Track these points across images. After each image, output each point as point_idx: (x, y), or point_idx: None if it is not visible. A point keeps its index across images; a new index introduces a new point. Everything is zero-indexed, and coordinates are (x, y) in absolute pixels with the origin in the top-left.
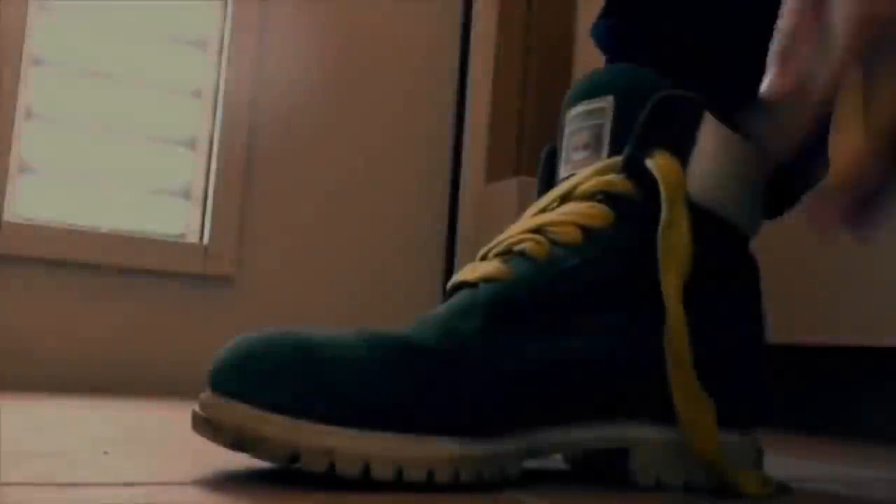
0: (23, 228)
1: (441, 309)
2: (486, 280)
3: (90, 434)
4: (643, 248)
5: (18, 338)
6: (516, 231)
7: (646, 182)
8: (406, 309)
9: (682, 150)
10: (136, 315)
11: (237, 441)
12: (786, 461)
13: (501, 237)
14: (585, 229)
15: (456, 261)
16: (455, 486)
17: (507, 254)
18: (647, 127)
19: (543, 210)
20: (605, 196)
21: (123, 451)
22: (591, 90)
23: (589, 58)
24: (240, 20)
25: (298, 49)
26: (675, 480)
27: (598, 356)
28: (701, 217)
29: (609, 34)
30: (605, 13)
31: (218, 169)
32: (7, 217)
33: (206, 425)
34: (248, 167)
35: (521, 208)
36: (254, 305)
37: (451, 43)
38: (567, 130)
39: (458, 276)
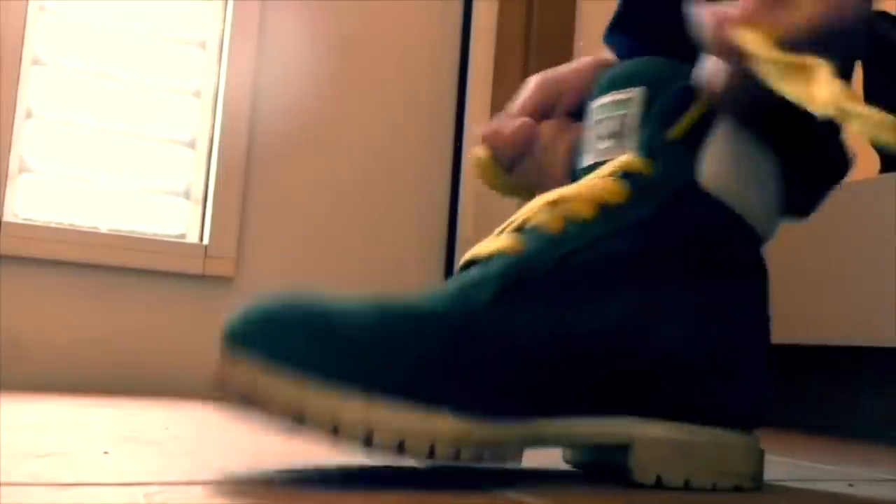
0: (23, 228)
1: (453, 280)
2: (500, 254)
3: (90, 434)
4: (659, 226)
5: (18, 338)
6: (532, 206)
7: (664, 162)
8: None
9: (697, 139)
10: (137, 315)
11: (245, 398)
12: (786, 461)
13: (517, 214)
14: (601, 205)
15: (456, 261)
16: (454, 466)
17: (521, 229)
18: (666, 115)
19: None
20: (623, 174)
21: (123, 451)
22: (622, 81)
23: (589, 56)
24: (239, 21)
25: (298, 49)
26: (675, 479)
27: (608, 334)
28: (714, 208)
29: (627, 49)
30: (621, 26)
31: (218, 169)
32: (7, 217)
33: (218, 384)
34: (248, 167)
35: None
36: None
37: (451, 43)
38: (593, 119)
39: (471, 252)
